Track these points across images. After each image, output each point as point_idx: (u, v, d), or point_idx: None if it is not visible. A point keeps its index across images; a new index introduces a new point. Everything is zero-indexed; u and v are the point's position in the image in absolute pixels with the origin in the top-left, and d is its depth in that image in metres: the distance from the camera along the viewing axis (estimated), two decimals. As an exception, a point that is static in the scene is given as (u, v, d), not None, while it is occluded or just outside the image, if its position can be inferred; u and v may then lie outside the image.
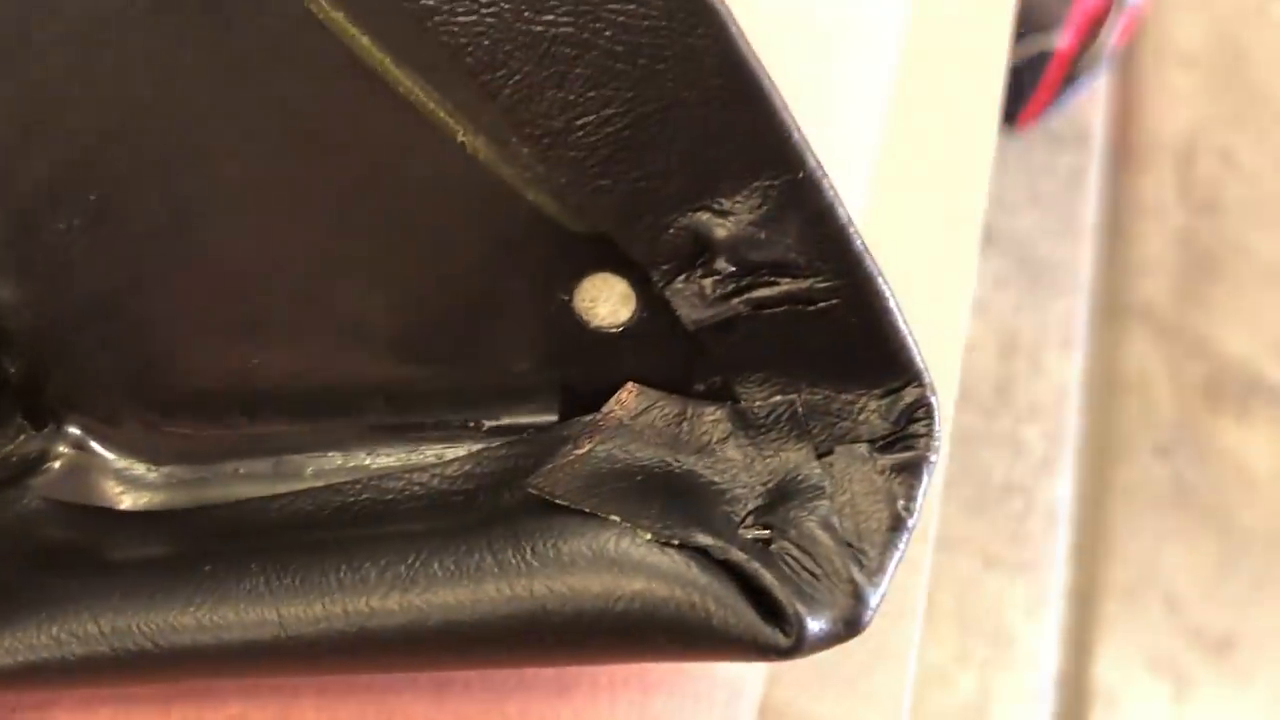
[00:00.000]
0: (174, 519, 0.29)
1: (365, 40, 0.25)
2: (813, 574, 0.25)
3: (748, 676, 0.31)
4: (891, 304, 0.25)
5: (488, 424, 0.29)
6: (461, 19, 0.24)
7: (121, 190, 0.27)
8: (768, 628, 0.24)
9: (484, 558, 0.25)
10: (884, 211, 0.40)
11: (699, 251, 0.25)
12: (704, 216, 0.25)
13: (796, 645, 0.24)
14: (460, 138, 0.25)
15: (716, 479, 0.27)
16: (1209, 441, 1.01)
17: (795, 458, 0.26)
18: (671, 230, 0.25)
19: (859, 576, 0.25)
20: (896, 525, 0.25)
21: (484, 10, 0.24)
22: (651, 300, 0.27)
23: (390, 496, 0.28)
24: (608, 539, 0.25)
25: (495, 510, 0.27)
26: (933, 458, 0.26)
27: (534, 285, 0.27)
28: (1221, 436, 1.01)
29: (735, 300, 0.25)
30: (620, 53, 0.24)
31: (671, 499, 0.26)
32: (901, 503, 0.25)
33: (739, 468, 0.27)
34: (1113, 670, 0.92)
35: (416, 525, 0.27)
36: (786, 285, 0.25)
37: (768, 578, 0.24)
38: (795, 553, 0.25)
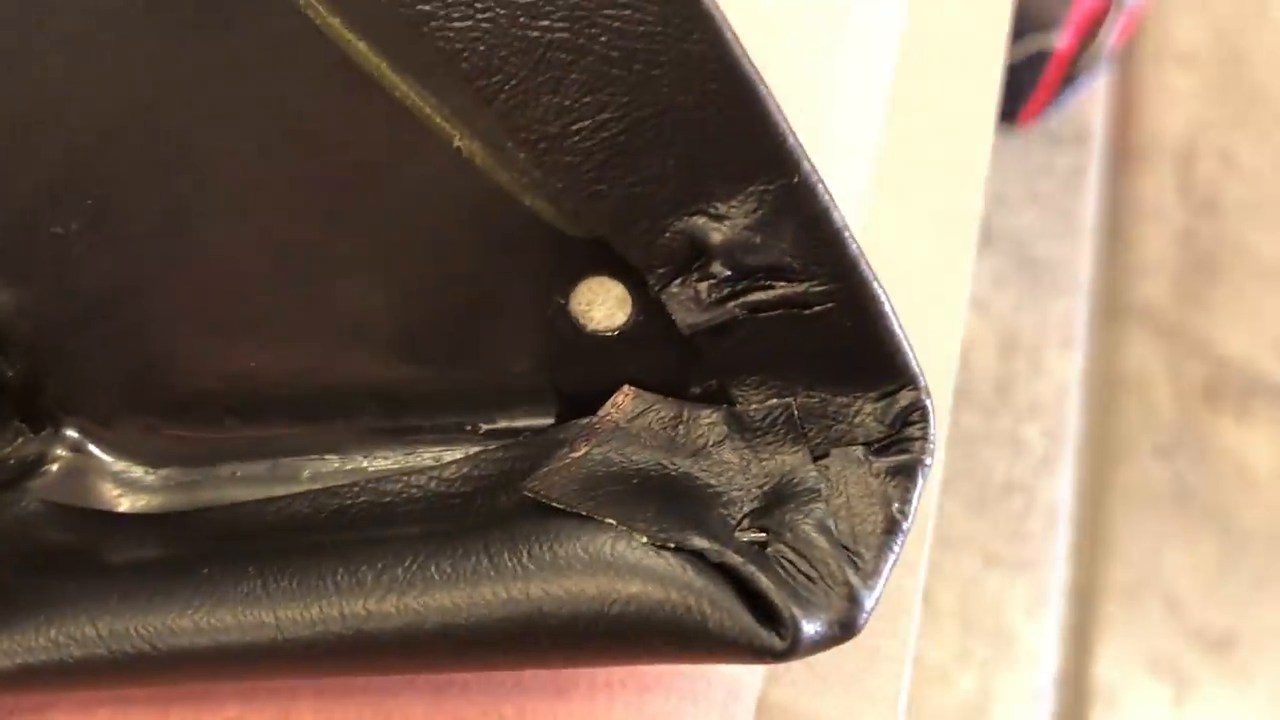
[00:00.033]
0: (171, 522, 0.29)
1: (361, 45, 0.25)
2: (808, 577, 0.25)
3: (745, 677, 0.31)
4: (886, 307, 0.25)
5: (485, 427, 0.29)
6: (457, 24, 0.24)
7: (119, 193, 0.27)
8: (763, 630, 0.24)
9: (480, 561, 0.25)
10: (881, 211, 0.40)
11: (695, 255, 0.25)
12: (699, 221, 0.25)
13: (792, 648, 0.24)
14: (456, 143, 0.25)
15: (712, 482, 0.27)
16: (1209, 441, 1.01)
17: (791, 461, 0.27)
18: (667, 234, 0.25)
19: (854, 579, 0.25)
20: (891, 528, 0.25)
21: (479, 16, 0.24)
22: (647, 304, 0.27)
23: (387, 499, 0.28)
24: (604, 542, 0.25)
25: (492, 513, 0.27)
26: (928, 461, 0.26)
27: (530, 289, 0.27)
28: (1221, 436, 1.01)
29: (731, 304, 0.25)
30: (616, 58, 0.24)
31: (667, 502, 0.26)
32: (896, 505, 0.26)
33: (735, 470, 0.27)
34: (1113, 670, 0.92)
35: (413, 528, 0.27)
36: (782, 289, 0.25)
37: (763, 580, 0.24)
38: (791, 555, 0.25)
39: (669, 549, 0.24)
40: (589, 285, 0.27)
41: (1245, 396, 1.02)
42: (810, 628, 0.24)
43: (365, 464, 0.30)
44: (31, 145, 0.27)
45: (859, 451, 0.26)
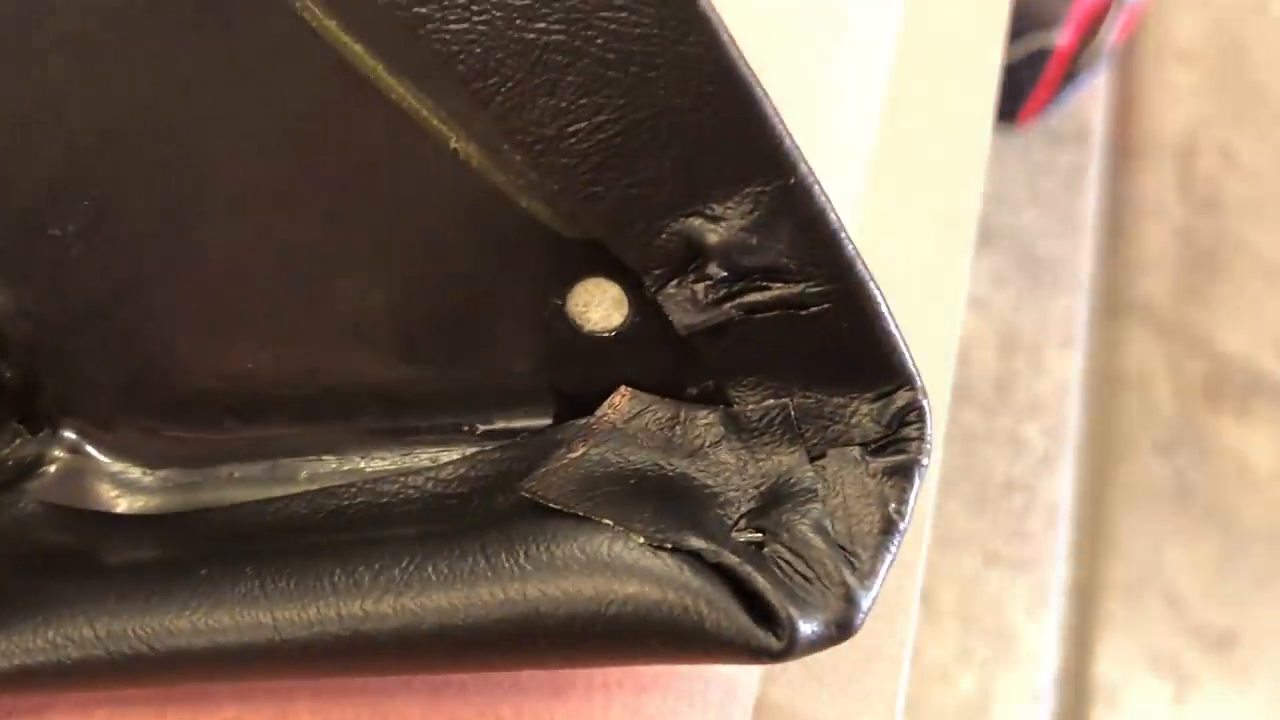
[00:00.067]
0: (169, 522, 0.29)
1: (358, 48, 0.25)
2: (805, 577, 0.25)
3: (742, 677, 0.31)
4: (883, 308, 0.25)
5: (482, 428, 0.29)
6: (453, 27, 0.24)
7: (118, 193, 0.27)
8: (760, 631, 0.24)
9: (478, 561, 0.25)
10: (879, 211, 0.40)
11: (691, 257, 0.25)
12: (696, 222, 0.25)
13: (788, 648, 0.24)
14: (453, 145, 0.25)
15: (709, 482, 0.27)
16: (1209, 439, 1.01)
17: (788, 461, 0.27)
18: (664, 236, 0.25)
19: (851, 579, 0.25)
20: (888, 528, 0.25)
21: (475, 18, 0.24)
22: (644, 305, 0.27)
23: (385, 500, 0.28)
24: (601, 542, 0.25)
25: (489, 514, 0.27)
26: (924, 461, 0.26)
27: (527, 290, 0.27)
28: (1222, 434, 1.01)
29: (727, 305, 0.26)
30: (612, 60, 0.24)
31: (664, 502, 0.26)
32: (893, 506, 0.26)
33: (732, 471, 0.27)
34: (1113, 668, 0.92)
35: (411, 529, 0.27)
36: (778, 290, 0.25)
37: (760, 581, 0.24)
38: (788, 556, 0.25)
39: (666, 549, 0.25)
40: (586, 286, 0.27)
41: (1246, 394, 1.02)
42: (807, 628, 0.24)
43: (363, 465, 0.30)
44: (30, 146, 0.27)
45: (856, 452, 0.26)
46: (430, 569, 0.25)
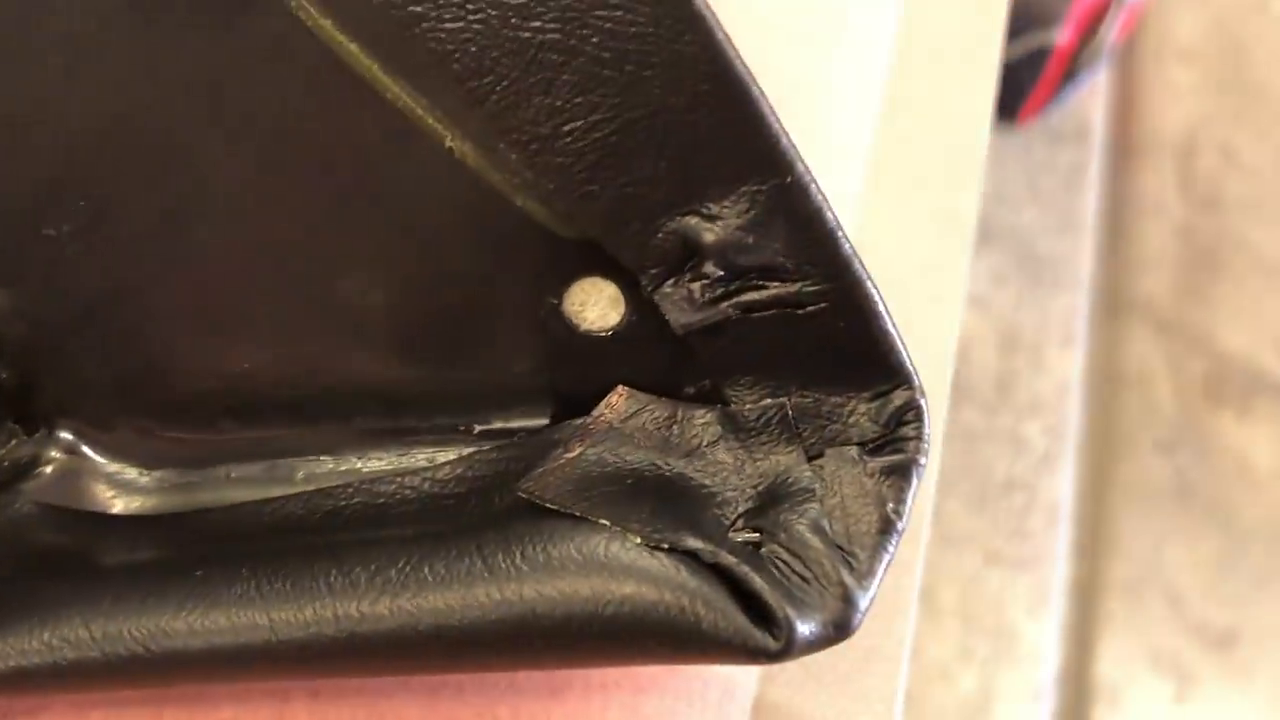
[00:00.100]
0: (165, 523, 0.29)
1: (353, 47, 0.25)
2: (802, 577, 0.25)
3: (740, 677, 0.31)
4: (880, 307, 0.25)
5: (479, 427, 0.29)
6: (448, 25, 0.24)
7: (114, 194, 0.27)
8: (757, 631, 0.24)
9: (474, 562, 0.25)
10: (878, 209, 0.40)
11: (687, 256, 0.25)
12: (692, 221, 0.25)
13: (786, 648, 0.24)
14: (448, 143, 0.25)
15: (707, 482, 0.27)
16: (1210, 437, 1.01)
17: (785, 461, 0.26)
18: (660, 235, 0.25)
19: (849, 580, 0.25)
20: (886, 528, 0.25)
21: (471, 17, 0.24)
22: (641, 304, 0.27)
23: (381, 500, 0.28)
24: (597, 543, 0.25)
25: (486, 514, 0.27)
26: (922, 460, 0.26)
27: (523, 290, 0.27)
28: (1223, 432, 1.01)
29: (724, 304, 0.25)
30: (607, 59, 0.24)
31: (661, 502, 0.26)
32: (891, 506, 0.25)
33: (729, 471, 0.27)
34: (1115, 667, 0.92)
35: (407, 529, 0.27)
36: (775, 289, 0.25)
37: (757, 581, 0.24)
38: (785, 556, 0.25)
39: (663, 550, 0.24)
40: (582, 286, 0.27)
41: (1246, 393, 1.02)
42: (804, 628, 0.24)
43: (359, 465, 0.30)
44: (25, 146, 0.27)
45: (853, 451, 0.26)
46: (427, 570, 0.25)
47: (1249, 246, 1.09)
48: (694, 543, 0.24)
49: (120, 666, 0.25)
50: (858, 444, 0.26)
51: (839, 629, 0.25)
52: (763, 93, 0.24)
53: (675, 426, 0.27)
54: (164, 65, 0.26)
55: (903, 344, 0.26)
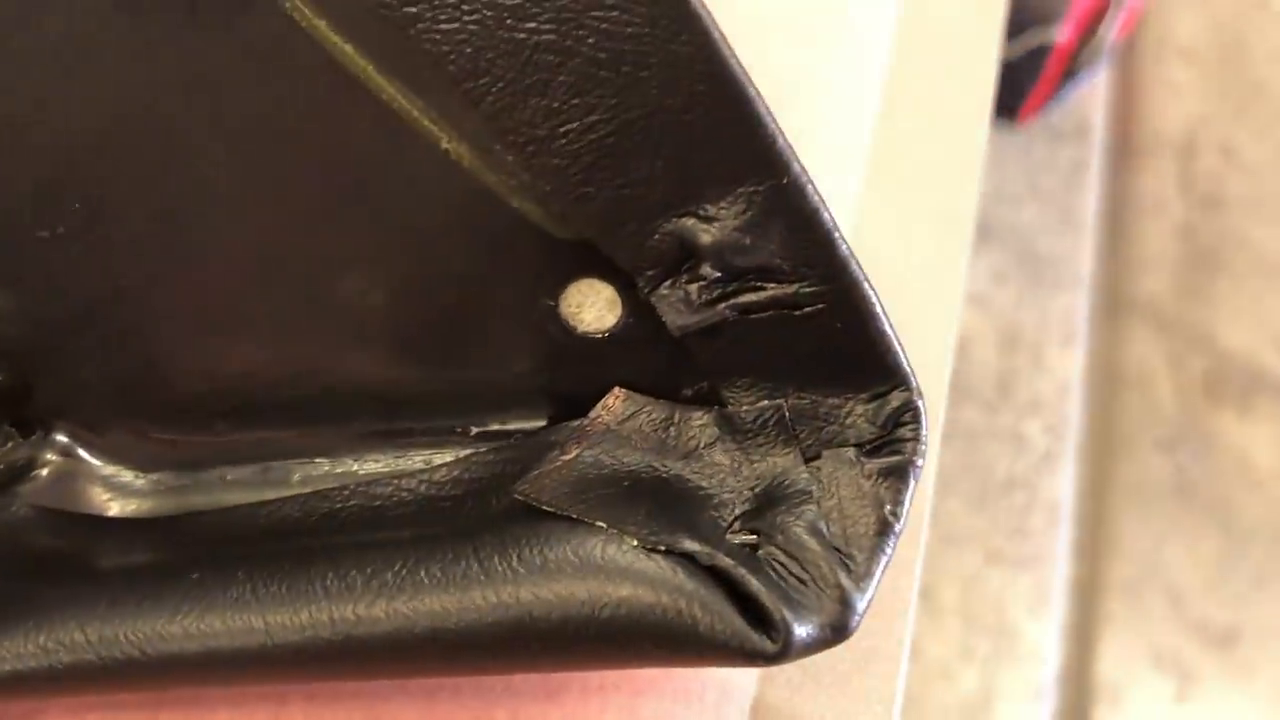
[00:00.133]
0: (161, 526, 0.29)
1: (348, 48, 0.25)
2: (800, 579, 0.25)
3: (738, 678, 0.31)
4: (877, 308, 0.25)
5: (476, 429, 0.29)
6: (444, 27, 0.24)
7: (109, 195, 0.27)
8: (754, 633, 0.24)
9: (470, 565, 0.25)
10: (876, 209, 0.40)
11: (684, 257, 0.25)
12: (689, 222, 0.25)
13: (783, 651, 0.24)
14: (444, 145, 0.25)
15: (704, 484, 0.27)
16: (1211, 436, 1.01)
17: (782, 462, 0.26)
18: (656, 236, 0.25)
19: (846, 582, 0.25)
20: (884, 530, 0.25)
21: (466, 18, 0.24)
22: (637, 306, 0.26)
23: (378, 503, 0.28)
24: (594, 545, 0.25)
25: (482, 516, 0.27)
26: (920, 462, 0.26)
27: (520, 291, 0.27)
28: (1223, 431, 1.01)
29: (721, 305, 0.25)
30: (603, 60, 0.24)
31: (658, 504, 0.26)
32: (888, 507, 0.25)
33: (726, 472, 0.27)
34: (1115, 666, 0.92)
35: (404, 532, 0.27)
36: (772, 290, 0.25)
37: (754, 583, 0.24)
38: (782, 558, 0.25)
39: (659, 552, 0.24)
40: (578, 287, 0.27)
41: (1247, 391, 1.02)
42: (802, 630, 0.24)
43: (355, 467, 0.30)
44: (21, 147, 0.27)
45: (851, 453, 0.26)
46: (423, 572, 0.25)
47: (1249, 245, 1.09)
48: (691, 545, 0.24)
49: (116, 670, 0.25)
50: (855, 445, 0.26)
51: (836, 631, 0.24)
52: (759, 93, 0.24)
53: (672, 428, 0.27)
54: (161, 66, 0.26)
55: (900, 345, 0.26)
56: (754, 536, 0.25)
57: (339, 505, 0.28)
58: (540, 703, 0.29)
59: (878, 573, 0.25)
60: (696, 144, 0.24)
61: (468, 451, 0.29)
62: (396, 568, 0.25)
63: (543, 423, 0.29)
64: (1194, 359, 1.04)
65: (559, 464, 0.26)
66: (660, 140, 0.24)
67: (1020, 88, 1.04)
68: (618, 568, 0.24)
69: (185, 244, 0.27)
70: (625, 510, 0.25)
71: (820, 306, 0.25)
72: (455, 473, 0.28)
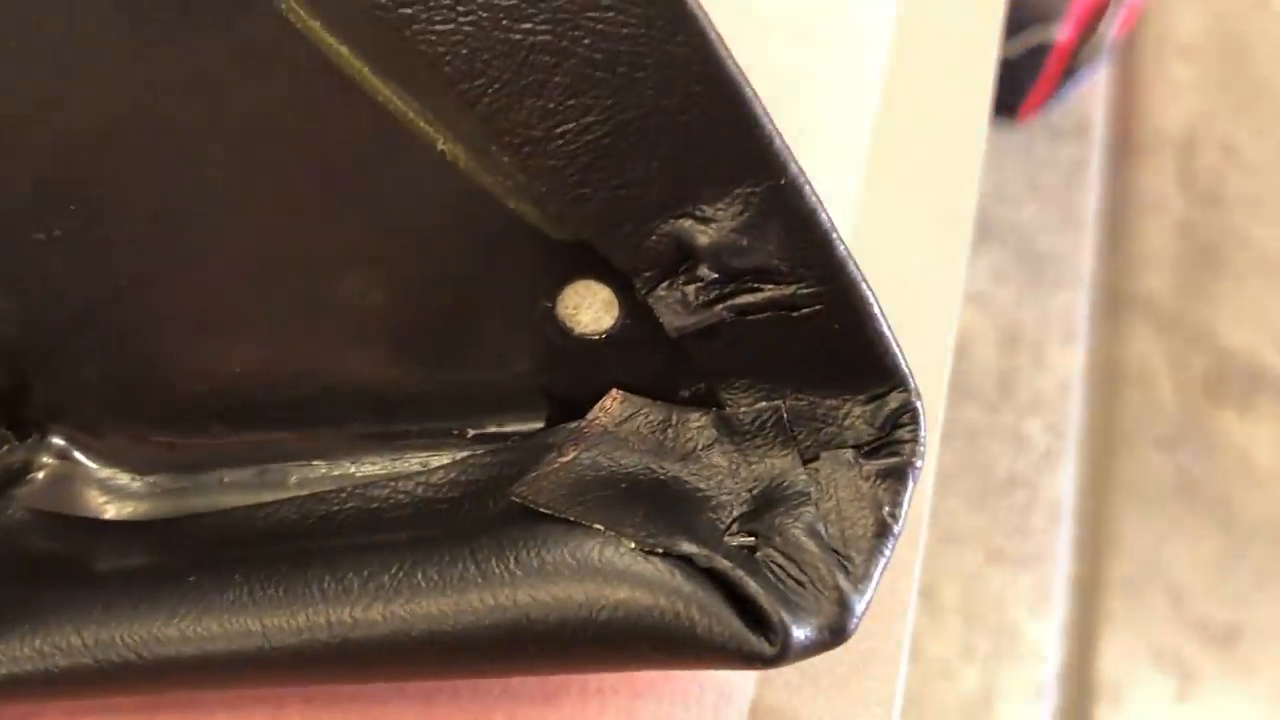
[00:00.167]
0: (158, 528, 0.29)
1: (343, 49, 0.24)
2: (798, 581, 0.25)
3: (737, 680, 0.31)
4: (875, 309, 0.25)
5: (473, 431, 0.29)
6: (439, 28, 0.24)
7: (102, 200, 0.27)
8: (753, 636, 0.24)
9: (468, 567, 0.25)
10: (875, 208, 0.40)
11: (681, 258, 0.25)
12: (686, 223, 0.25)
13: (781, 653, 0.24)
14: (440, 146, 0.25)
15: (702, 486, 0.26)
16: (1212, 434, 1.01)
17: (781, 464, 0.26)
18: (653, 237, 0.25)
19: (845, 584, 0.25)
20: (882, 532, 0.25)
21: (462, 19, 0.24)
22: (635, 307, 0.26)
23: (375, 505, 0.28)
24: (591, 548, 0.25)
25: (480, 519, 0.27)
26: (918, 463, 0.26)
27: (517, 292, 0.27)
28: (1224, 429, 1.01)
29: (718, 307, 0.25)
30: (599, 60, 0.24)
31: (656, 506, 0.26)
32: (887, 509, 0.25)
33: (724, 474, 0.27)
34: (1117, 664, 0.92)
35: (401, 534, 0.27)
36: (770, 291, 0.25)
37: (752, 586, 0.24)
38: (781, 560, 0.25)
39: (657, 554, 0.24)
40: (575, 289, 0.27)
41: (1248, 390, 1.02)
42: (800, 633, 0.24)
43: (353, 469, 0.30)
44: (18, 148, 0.27)
45: (849, 454, 0.26)
46: (420, 575, 0.25)
47: (1250, 243, 1.09)
48: (688, 547, 0.24)
49: (113, 673, 0.25)
50: (853, 447, 0.26)
51: (835, 633, 0.24)
52: (756, 94, 0.24)
53: (670, 430, 0.27)
54: (159, 66, 0.25)
55: (898, 346, 0.26)
56: (752, 538, 0.25)
57: (336, 508, 0.28)
58: (538, 705, 0.29)
59: (876, 574, 0.25)
60: (693, 145, 0.24)
61: (465, 454, 0.29)
62: (393, 570, 0.25)
63: (540, 424, 0.29)
64: (1195, 357, 1.04)
65: (556, 466, 0.26)
66: (656, 141, 0.24)
67: (1020, 86, 1.04)
68: (615, 570, 0.24)
69: (184, 244, 0.27)
70: (623, 512, 0.25)
71: (818, 308, 0.25)
72: (452, 475, 0.28)
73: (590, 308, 0.27)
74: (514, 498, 0.26)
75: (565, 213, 0.25)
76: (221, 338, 0.29)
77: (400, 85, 0.25)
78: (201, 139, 0.26)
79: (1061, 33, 1.00)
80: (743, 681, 0.31)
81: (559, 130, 0.24)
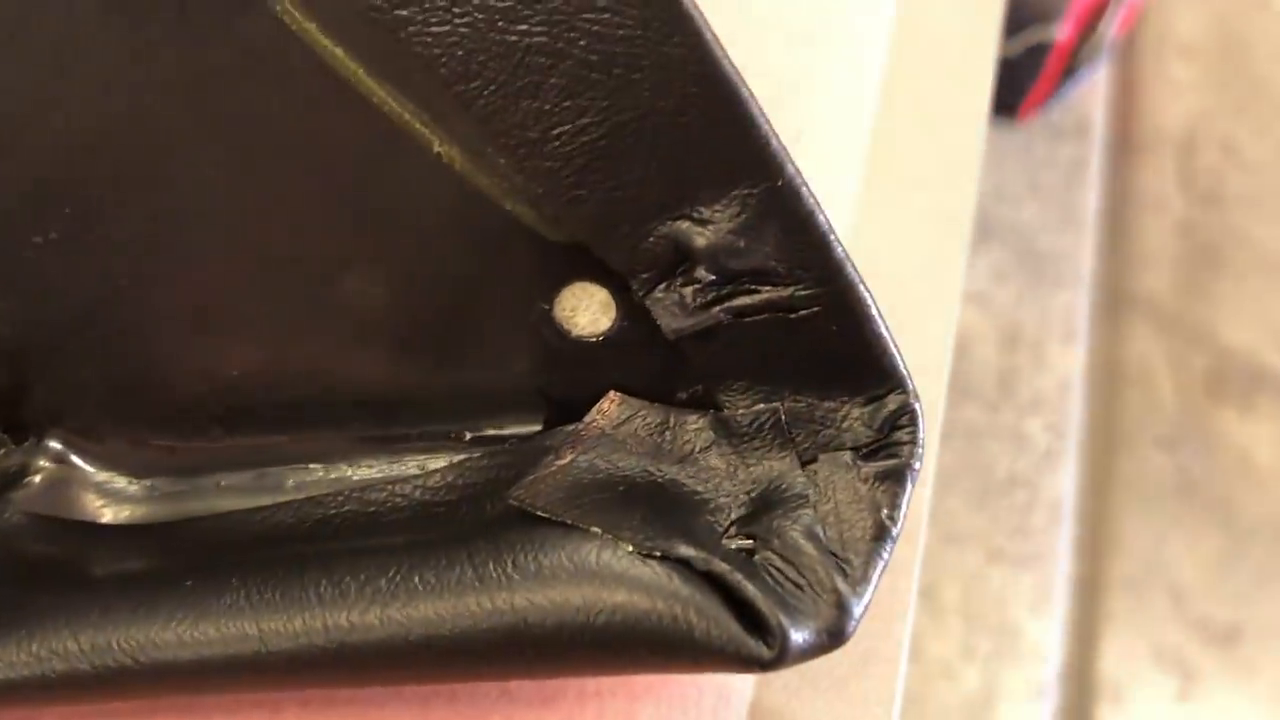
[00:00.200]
0: (155, 532, 0.29)
1: (339, 51, 0.24)
2: (796, 584, 0.25)
3: (736, 683, 0.30)
4: (873, 311, 0.25)
5: (470, 434, 0.29)
6: (435, 29, 0.24)
7: (98, 202, 0.27)
8: (751, 639, 0.24)
9: (465, 571, 0.25)
10: (874, 208, 0.40)
11: (679, 260, 0.25)
12: (683, 225, 0.25)
13: (780, 656, 0.24)
14: (436, 148, 0.25)
15: (699, 488, 0.26)
16: (1212, 433, 1.00)
17: (779, 466, 0.26)
18: (650, 239, 0.25)
19: (843, 586, 0.24)
20: (880, 534, 0.25)
21: (457, 21, 0.24)
22: (632, 309, 0.26)
23: (372, 508, 0.28)
24: (589, 551, 0.24)
25: (477, 522, 0.27)
26: (917, 465, 0.26)
27: (514, 294, 0.27)
28: (1225, 428, 1.01)
29: (716, 309, 0.25)
30: (595, 62, 0.24)
31: (654, 509, 0.26)
32: (885, 511, 0.25)
33: (722, 477, 0.26)
34: (1117, 664, 0.92)
35: (398, 537, 0.27)
36: (767, 293, 0.25)
37: (750, 589, 0.24)
38: (779, 563, 0.25)
39: (655, 557, 0.24)
40: (573, 291, 0.27)
41: (1248, 389, 1.02)
42: (798, 636, 0.24)
43: (350, 473, 0.29)
44: (14, 150, 0.26)
45: (847, 456, 0.26)
46: (417, 579, 0.25)
47: (1250, 242, 1.09)
48: (686, 550, 0.24)
49: (109, 678, 0.25)
50: (851, 449, 0.26)
51: (833, 636, 0.24)
52: (752, 94, 0.24)
53: (667, 432, 0.27)
54: (146, 73, 0.25)
55: (896, 348, 0.26)
56: (750, 541, 0.25)
57: (333, 511, 0.28)
58: (536, 709, 0.29)
59: (874, 577, 0.25)
60: (690, 146, 0.24)
61: (462, 457, 0.29)
62: (390, 574, 0.25)
63: (537, 427, 0.29)
64: (1195, 357, 1.04)
65: (554, 469, 0.26)
66: (653, 143, 0.24)
67: (1020, 85, 1.04)
68: (613, 573, 0.24)
69: (181, 244, 0.27)
70: (620, 515, 0.25)
71: (816, 309, 0.25)
72: (450, 478, 0.28)
73: (587, 310, 0.27)
74: (511, 501, 0.26)
75: (562, 214, 0.25)
76: (220, 338, 0.29)
77: (396, 87, 0.25)
78: (199, 140, 0.26)
79: (1061, 32, 0.99)
80: (741, 684, 0.31)
81: (555, 132, 0.24)
